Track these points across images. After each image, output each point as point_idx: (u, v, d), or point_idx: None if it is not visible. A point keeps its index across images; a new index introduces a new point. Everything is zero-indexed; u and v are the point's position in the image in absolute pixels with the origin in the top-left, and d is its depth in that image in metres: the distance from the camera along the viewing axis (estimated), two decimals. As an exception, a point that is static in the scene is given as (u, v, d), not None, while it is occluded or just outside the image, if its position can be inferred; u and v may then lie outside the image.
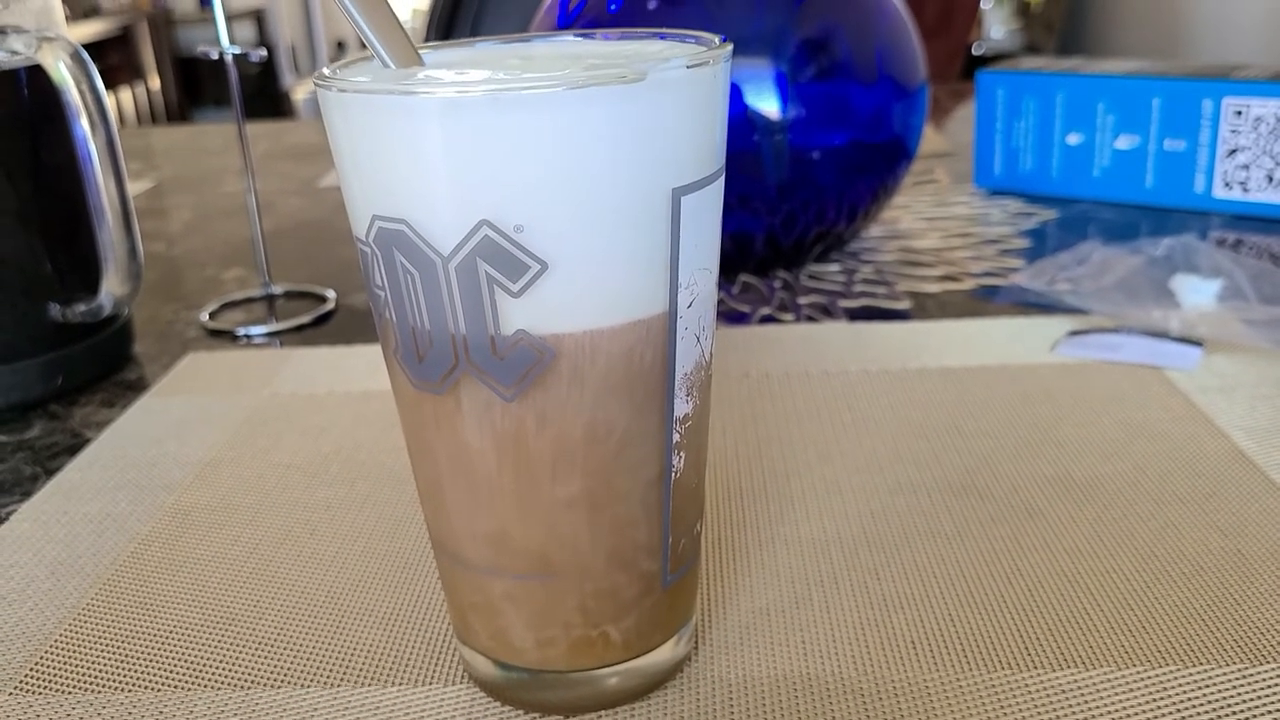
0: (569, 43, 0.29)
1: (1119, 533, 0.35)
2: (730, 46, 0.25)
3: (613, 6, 0.59)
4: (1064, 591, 0.32)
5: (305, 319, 0.58)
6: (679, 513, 0.27)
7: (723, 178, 0.26)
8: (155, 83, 3.79)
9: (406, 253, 0.24)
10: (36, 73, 0.47)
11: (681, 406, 0.26)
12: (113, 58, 3.56)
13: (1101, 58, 0.78)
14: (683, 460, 0.27)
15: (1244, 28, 1.89)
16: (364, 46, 0.26)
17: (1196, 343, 0.48)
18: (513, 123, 0.22)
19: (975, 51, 2.56)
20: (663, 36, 0.28)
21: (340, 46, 4.33)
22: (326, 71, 0.25)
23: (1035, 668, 0.29)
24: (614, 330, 0.24)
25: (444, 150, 0.23)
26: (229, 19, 0.56)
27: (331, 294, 0.61)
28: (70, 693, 0.30)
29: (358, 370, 0.51)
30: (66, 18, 0.47)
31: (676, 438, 0.26)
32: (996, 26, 2.84)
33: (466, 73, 0.25)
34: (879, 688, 0.29)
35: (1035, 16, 2.75)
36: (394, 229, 0.24)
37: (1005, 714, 0.28)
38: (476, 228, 0.23)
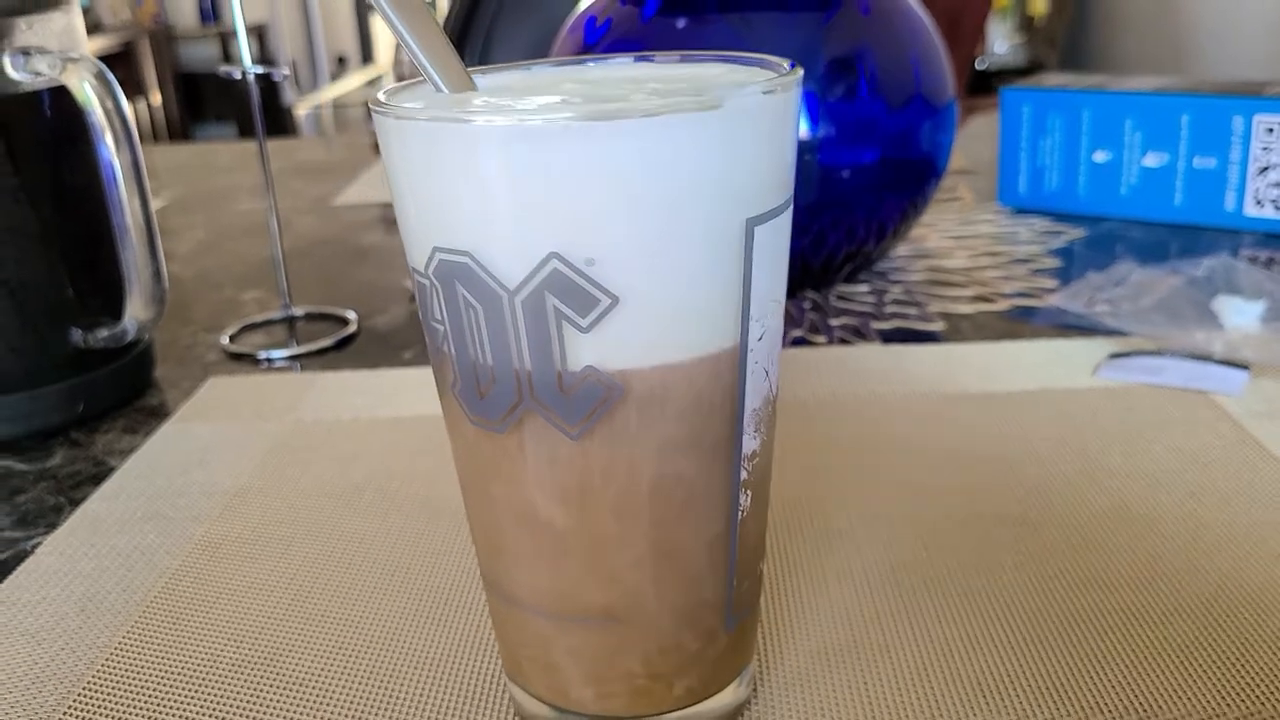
0: (627, 65, 0.28)
1: (1181, 567, 0.34)
2: (800, 72, 0.25)
3: (643, 21, 0.59)
4: (1130, 631, 0.31)
5: (327, 342, 0.57)
6: (745, 554, 0.26)
7: (791, 207, 0.25)
8: (156, 98, 3.79)
9: (470, 286, 0.23)
10: (60, 93, 0.46)
11: (750, 443, 0.25)
12: (115, 73, 3.55)
13: (1117, 74, 0.77)
14: (750, 499, 0.26)
15: (1248, 41, 1.89)
16: (367, 61, 0.25)
17: (1242, 366, 0.47)
18: (584, 152, 0.21)
19: (979, 66, 2.56)
20: (725, 60, 0.27)
21: (341, 62, 4.33)
22: (382, 97, 0.24)
23: (1107, 713, 0.28)
24: (685, 365, 0.23)
25: (511, 181, 0.22)
26: (230, 36, 0.55)
27: (353, 316, 0.60)
28: (106, 739, 0.29)
29: (384, 395, 0.50)
30: None
31: (744, 475, 0.25)
32: (1000, 41, 2.84)
33: (532, 100, 0.24)
34: (949, 733, 0.28)
35: (1038, 31, 2.75)
36: (457, 261, 0.23)
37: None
38: (545, 260, 0.22)
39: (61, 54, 0.45)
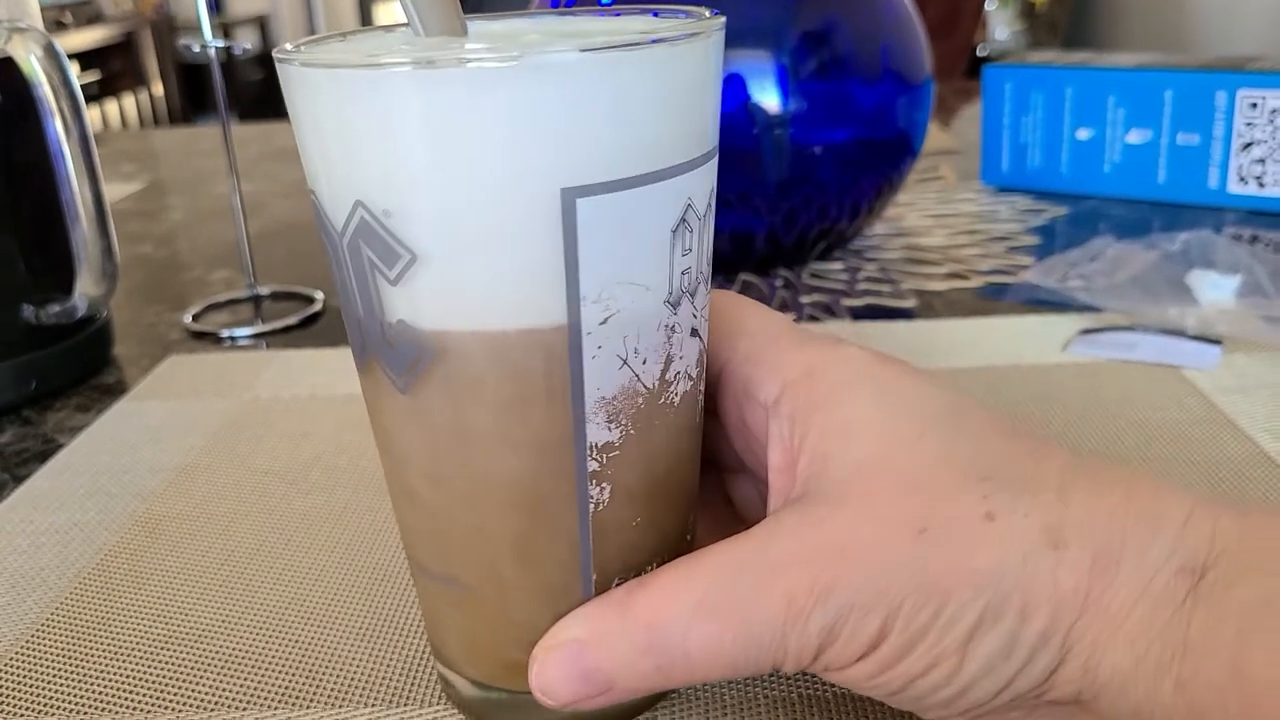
0: (548, 20, 0.27)
1: (1138, 541, 0.33)
2: (661, 39, 0.22)
3: (607, -3, 0.58)
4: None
5: (292, 320, 0.56)
6: (607, 550, 0.25)
7: (673, 182, 0.22)
8: (158, 88, 3.78)
9: (322, 227, 0.24)
10: (8, 65, 0.45)
11: (600, 434, 0.23)
12: (116, 64, 3.55)
13: (1115, 50, 0.76)
14: (607, 493, 0.24)
15: (1251, 26, 1.87)
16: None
17: (1215, 341, 0.46)
18: (382, 102, 0.21)
19: (980, 53, 2.54)
20: (655, 14, 0.26)
21: (343, 52, 4.30)
22: (289, 45, 0.23)
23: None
24: (502, 336, 0.22)
25: (330, 126, 0.22)
26: (232, 25, 0.55)
27: (320, 295, 0.59)
28: (23, 716, 0.28)
29: (342, 372, 0.49)
30: (69, 24, 0.46)
31: (594, 467, 0.23)
32: (1001, 28, 2.82)
33: (377, 48, 0.24)
34: (887, 707, 0.27)
35: (1039, 18, 2.73)
36: (312, 201, 0.24)
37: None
38: (354, 209, 0.22)
39: (9, 23, 0.44)
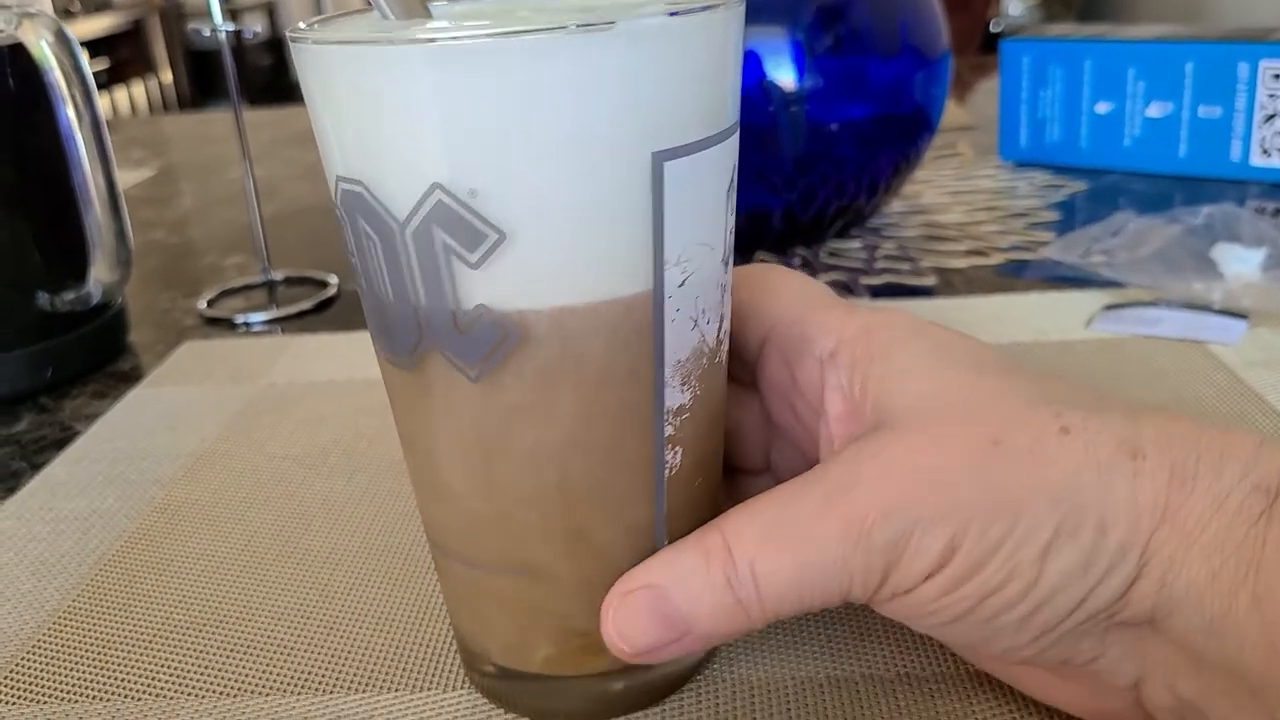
0: None
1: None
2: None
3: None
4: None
5: (306, 305, 0.56)
6: (678, 511, 0.25)
7: (728, 143, 0.23)
8: (167, 76, 3.78)
9: (367, 218, 0.22)
10: (19, 51, 0.45)
11: (675, 397, 0.23)
12: (124, 51, 3.55)
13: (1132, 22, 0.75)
14: (680, 456, 0.24)
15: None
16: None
17: (1240, 315, 0.46)
18: (465, 76, 0.20)
19: (993, 29, 2.51)
20: None
21: (352, 37, 4.29)
22: (302, 25, 0.23)
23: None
24: (589, 309, 0.22)
25: (395, 106, 0.21)
26: (240, 11, 0.54)
27: (334, 279, 0.59)
28: (46, 702, 0.28)
29: (359, 357, 0.49)
30: (77, 12, 0.46)
31: (670, 431, 0.24)
32: (1014, 3, 2.79)
33: (434, 23, 0.23)
34: (913, 686, 0.26)
35: (1054, -7, 2.70)
36: (354, 191, 0.22)
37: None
38: (429, 191, 0.21)
39: (18, 9, 0.44)
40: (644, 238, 0.22)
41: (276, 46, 3.49)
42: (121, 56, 3.55)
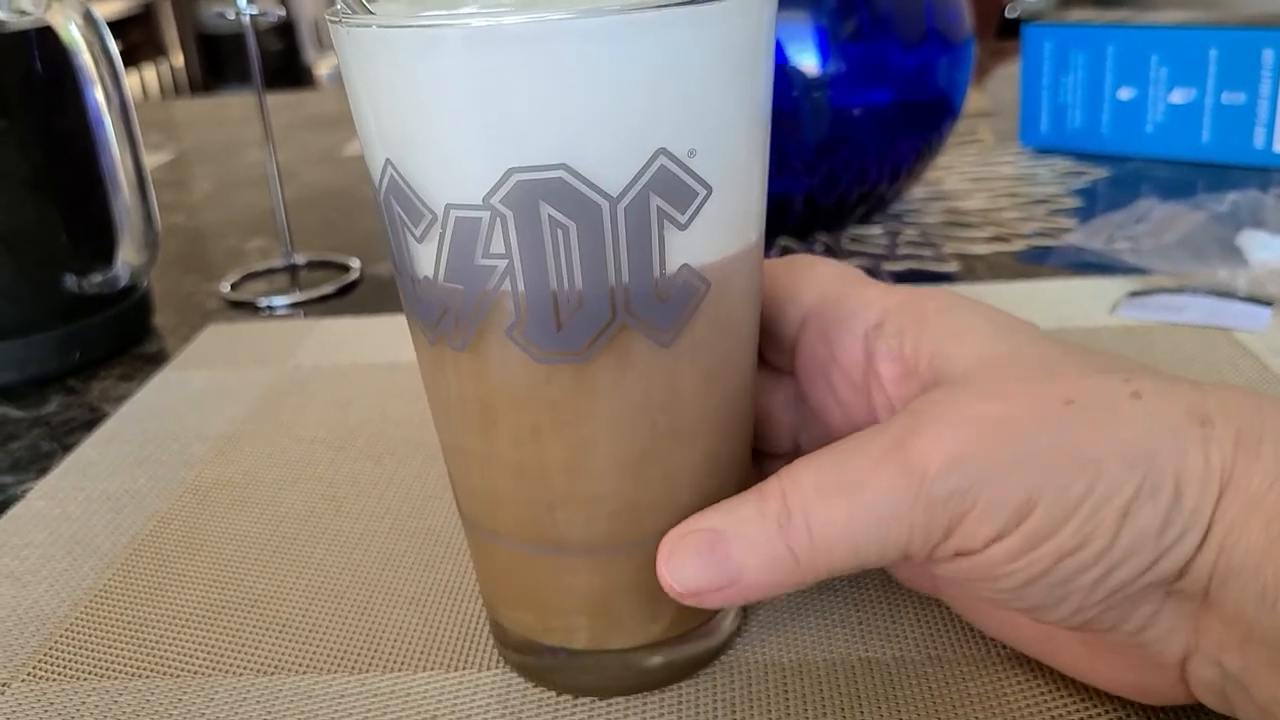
0: None
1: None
2: None
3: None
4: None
5: (329, 289, 0.56)
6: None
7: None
8: (178, 59, 3.78)
9: (560, 202, 0.21)
10: (47, 34, 0.45)
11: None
12: (135, 35, 3.55)
13: (1152, 8, 0.74)
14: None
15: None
16: None
17: (1266, 302, 0.46)
18: (681, 39, 0.21)
19: (1009, 15, 2.50)
20: None
21: (363, 21, 4.27)
22: (473, 9, 0.22)
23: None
24: (744, 254, 0.24)
25: (614, 79, 0.20)
26: None
27: (356, 263, 0.59)
28: (85, 679, 0.28)
29: (383, 341, 0.49)
30: None
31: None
32: (1030, -12, 2.77)
33: None
34: (944, 668, 0.27)
35: (1069, -22, 2.68)
36: (545, 178, 0.20)
37: (1028, 692, 0.25)
38: (653, 158, 0.21)
39: (46, -8, 0.44)
40: (762, 185, 0.24)
41: (288, 30, 3.49)
42: (132, 40, 3.55)
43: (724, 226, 0.22)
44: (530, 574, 0.26)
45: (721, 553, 0.23)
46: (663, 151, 0.21)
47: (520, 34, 0.20)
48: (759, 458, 0.30)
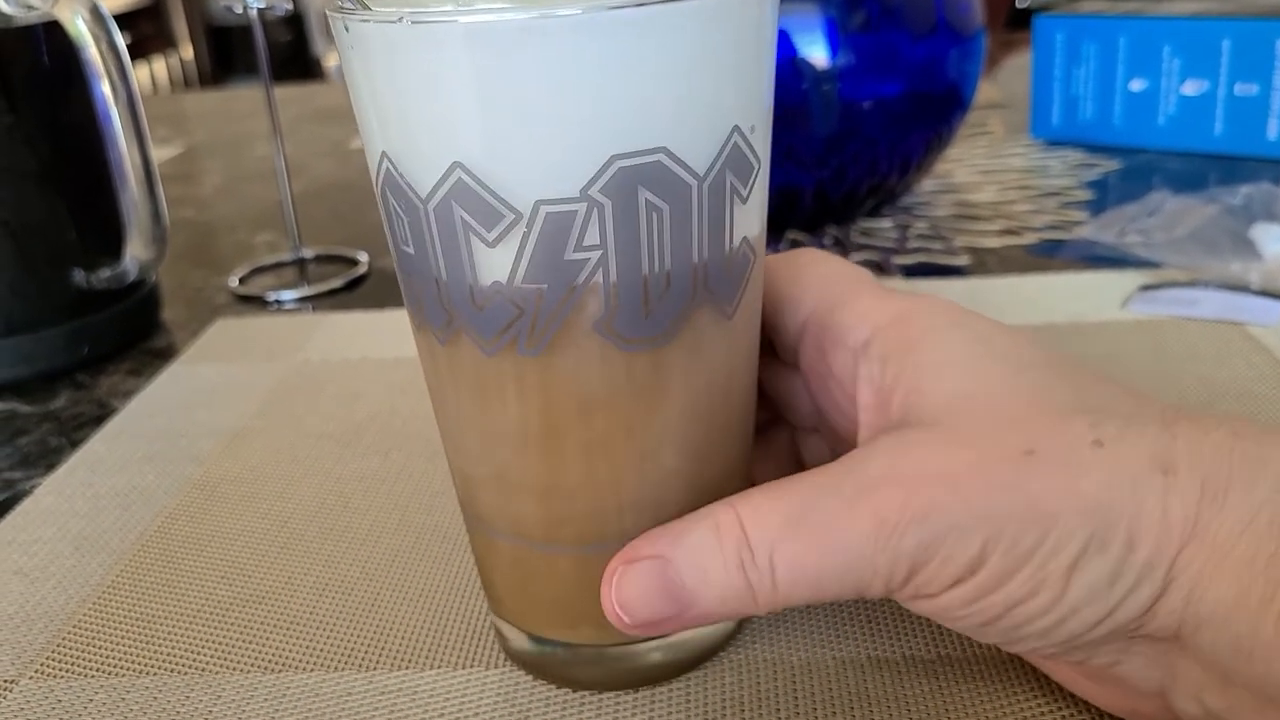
0: None
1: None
2: None
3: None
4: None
5: (337, 283, 0.56)
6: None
7: None
8: (187, 52, 3.78)
9: (657, 186, 0.21)
10: (54, 29, 0.45)
11: None
12: (144, 28, 3.55)
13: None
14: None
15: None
16: None
17: (1279, 296, 0.45)
18: (752, 18, 0.22)
19: (1020, 5, 2.48)
20: None
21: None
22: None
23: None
24: (765, 227, 0.25)
25: (706, 61, 0.21)
26: None
27: (364, 257, 0.59)
28: (92, 676, 0.28)
29: (392, 335, 0.49)
30: None
31: None
32: (1040, -22, 2.76)
33: None
34: (953, 668, 0.26)
35: (1080, -33, 2.66)
36: (645, 163, 0.21)
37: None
38: (729, 136, 0.22)
39: (53, -14, 0.44)
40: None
41: (296, 22, 3.49)
42: (142, 32, 3.55)
43: (764, 199, 0.24)
44: (531, 569, 0.26)
45: (672, 582, 0.22)
46: (736, 129, 0.22)
47: (632, 19, 0.20)
48: (785, 427, 0.30)
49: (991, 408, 0.22)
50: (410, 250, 0.23)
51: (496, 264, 0.21)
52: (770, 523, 0.22)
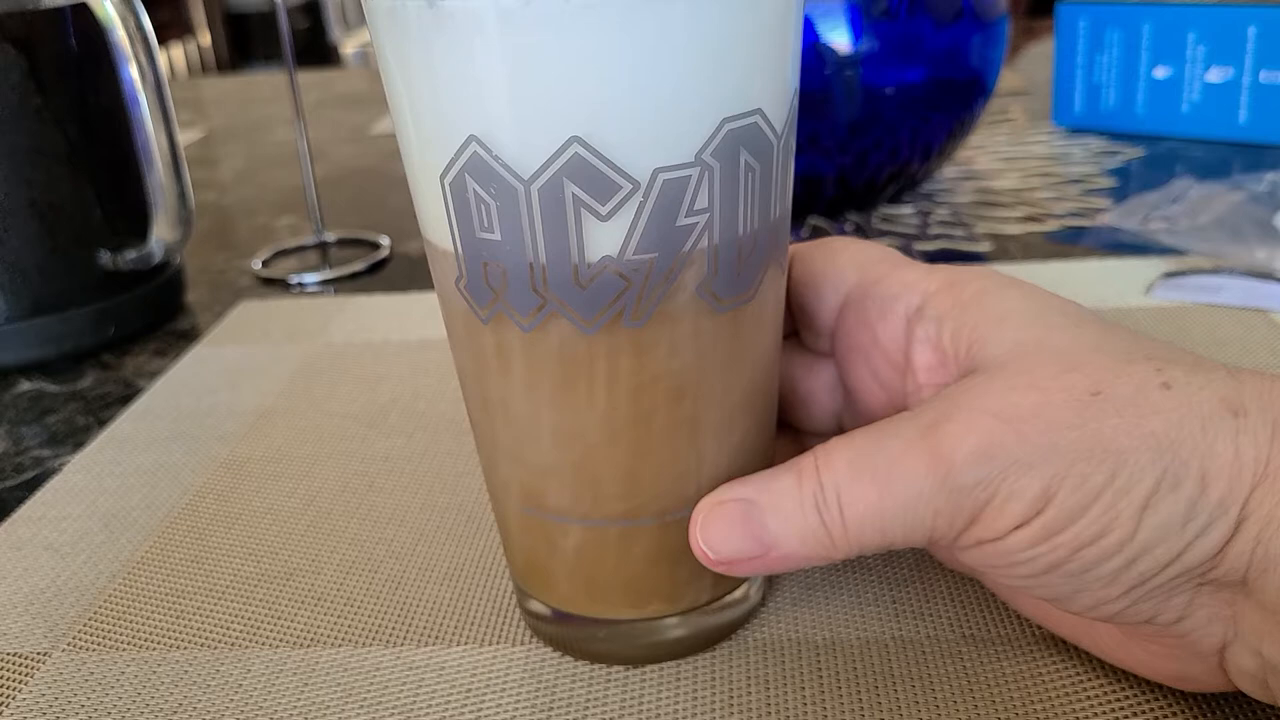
0: None
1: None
2: None
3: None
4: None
5: (359, 266, 0.56)
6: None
7: None
8: (206, 39, 3.79)
9: (754, 147, 0.22)
10: (82, 11, 0.45)
11: None
12: (163, 14, 3.55)
13: None
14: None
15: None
16: None
17: (1305, 284, 0.45)
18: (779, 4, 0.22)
19: (1039, -7, 2.47)
20: None
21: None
22: None
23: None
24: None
25: (781, 23, 0.22)
26: None
27: (385, 240, 0.59)
28: (124, 649, 0.29)
29: (414, 318, 0.49)
30: None
31: None
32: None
33: None
34: (978, 647, 0.27)
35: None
36: (747, 125, 0.21)
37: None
38: (794, 98, 0.23)
39: (81, -31, 0.44)
40: None
41: (313, 9, 3.49)
42: (160, 19, 3.54)
43: (787, 182, 0.25)
44: (558, 544, 0.26)
45: (756, 523, 0.23)
46: (796, 92, 0.23)
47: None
48: (801, 435, 0.30)
49: (1056, 352, 0.22)
50: (495, 236, 0.22)
51: (607, 239, 0.21)
52: (838, 465, 0.22)
